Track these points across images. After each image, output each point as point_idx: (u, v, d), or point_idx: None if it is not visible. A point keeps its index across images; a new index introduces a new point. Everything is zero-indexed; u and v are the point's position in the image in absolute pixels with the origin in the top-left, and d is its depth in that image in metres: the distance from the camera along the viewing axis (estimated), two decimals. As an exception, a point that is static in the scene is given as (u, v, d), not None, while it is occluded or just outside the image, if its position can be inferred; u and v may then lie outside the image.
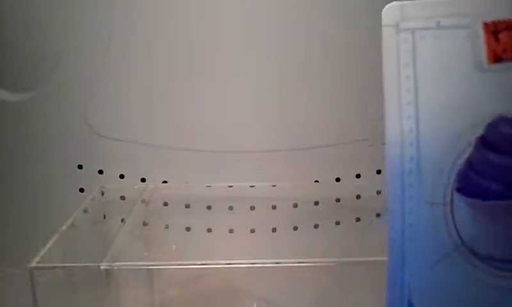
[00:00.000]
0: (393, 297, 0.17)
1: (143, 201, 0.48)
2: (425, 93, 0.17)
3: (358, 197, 0.49)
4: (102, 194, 0.50)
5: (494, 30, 0.17)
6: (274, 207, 0.50)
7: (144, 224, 0.49)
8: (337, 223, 0.50)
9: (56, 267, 0.37)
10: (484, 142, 0.17)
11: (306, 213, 0.50)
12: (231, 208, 0.50)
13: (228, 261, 0.36)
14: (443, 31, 0.17)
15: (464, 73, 0.17)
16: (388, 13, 0.18)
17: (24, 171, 0.51)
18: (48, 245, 0.38)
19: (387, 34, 0.17)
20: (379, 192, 0.49)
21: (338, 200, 0.50)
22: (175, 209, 0.50)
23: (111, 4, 0.47)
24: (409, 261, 0.17)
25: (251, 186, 0.50)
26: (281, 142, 0.49)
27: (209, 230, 0.51)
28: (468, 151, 0.17)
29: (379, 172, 0.49)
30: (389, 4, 0.18)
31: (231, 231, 0.51)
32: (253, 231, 0.51)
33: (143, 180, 0.51)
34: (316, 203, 0.50)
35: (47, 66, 0.49)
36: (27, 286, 0.36)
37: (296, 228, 0.51)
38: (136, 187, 0.50)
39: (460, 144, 0.17)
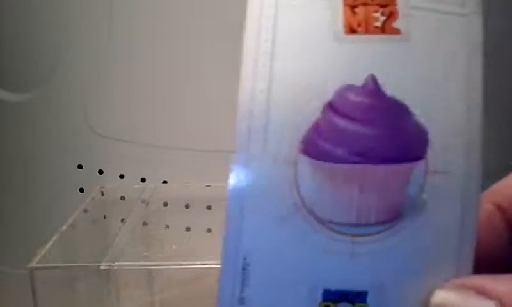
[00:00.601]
0: (229, 256, 0.17)
1: (143, 201, 0.48)
2: (281, 57, 0.18)
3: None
4: (102, 194, 0.50)
5: (352, 4, 0.18)
6: (274, 207, 0.50)
7: (144, 224, 0.49)
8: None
9: (56, 267, 0.38)
10: (332, 107, 0.17)
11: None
12: (231, 208, 0.50)
13: (228, 261, 0.36)
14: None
15: (320, 41, 0.18)
16: None
17: (24, 171, 0.51)
18: (48, 245, 0.38)
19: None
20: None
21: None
22: (175, 209, 0.50)
23: (111, 5, 0.47)
24: (248, 219, 0.17)
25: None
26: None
27: (209, 230, 0.51)
28: (316, 115, 0.17)
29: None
30: None
31: (231, 231, 0.51)
32: (253, 231, 0.51)
33: (143, 180, 0.51)
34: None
35: (47, 66, 0.49)
36: (27, 286, 0.36)
37: (295, 228, 0.51)
38: (135, 187, 0.50)
39: (309, 107, 0.17)
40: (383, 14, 0.18)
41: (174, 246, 0.49)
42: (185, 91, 0.49)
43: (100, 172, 0.50)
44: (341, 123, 0.17)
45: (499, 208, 0.19)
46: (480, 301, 0.16)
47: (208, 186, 0.50)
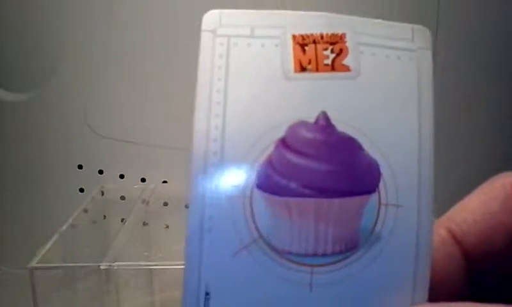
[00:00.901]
0: (190, 287, 0.18)
1: (143, 201, 0.48)
2: (234, 95, 0.19)
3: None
4: (102, 194, 0.50)
5: (302, 42, 0.19)
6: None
7: (144, 224, 0.49)
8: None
9: (56, 267, 0.38)
10: (284, 143, 0.18)
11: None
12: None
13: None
14: (256, 39, 0.19)
15: (271, 80, 0.18)
16: (208, 19, 0.19)
17: (24, 171, 0.51)
18: (48, 245, 0.38)
19: (205, 39, 0.19)
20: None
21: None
22: (175, 209, 0.50)
23: (111, 5, 0.47)
24: (206, 253, 0.18)
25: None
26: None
27: (209, 230, 0.51)
28: (270, 150, 0.18)
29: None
30: (209, 11, 0.19)
31: (231, 231, 0.51)
32: (253, 231, 0.51)
33: (143, 180, 0.51)
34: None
35: (47, 66, 0.49)
36: (27, 286, 0.36)
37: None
38: (136, 187, 0.50)
39: (262, 144, 0.18)
40: (332, 51, 0.19)
41: (174, 246, 0.49)
42: (186, 91, 0.48)
43: (100, 172, 0.50)
44: (293, 158, 0.18)
45: (453, 237, 0.20)
46: None
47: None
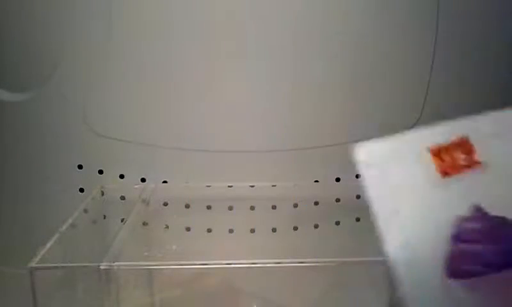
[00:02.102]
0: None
1: (143, 201, 0.48)
2: (402, 210, 0.23)
3: (358, 197, 0.49)
4: (102, 194, 0.50)
5: (439, 152, 0.22)
6: (274, 207, 0.50)
7: (144, 224, 0.49)
8: (337, 223, 0.50)
9: (56, 267, 0.38)
10: (457, 237, 0.22)
11: (306, 213, 0.50)
12: (231, 208, 0.50)
13: (228, 261, 0.36)
14: (400, 159, 0.23)
15: (424, 189, 0.22)
16: (361, 152, 0.24)
17: (24, 171, 0.51)
18: (48, 245, 0.38)
19: (362, 169, 0.24)
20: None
21: (338, 200, 0.50)
22: (175, 209, 0.50)
23: (110, 5, 0.47)
24: None
25: (251, 186, 0.50)
26: (281, 142, 0.49)
27: (209, 230, 0.51)
28: (448, 247, 0.22)
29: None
30: (361, 146, 0.24)
31: (231, 231, 0.51)
32: (253, 231, 0.51)
33: (143, 180, 0.51)
34: (316, 203, 0.50)
35: (47, 66, 0.49)
36: (27, 286, 0.36)
37: (295, 228, 0.51)
38: (136, 187, 0.50)
39: (440, 242, 0.22)
40: (463, 152, 0.22)
41: (174, 246, 0.49)
42: (185, 91, 0.49)
43: (100, 172, 0.50)
44: (469, 247, 0.21)
45: None
46: None
47: (209, 186, 0.50)
